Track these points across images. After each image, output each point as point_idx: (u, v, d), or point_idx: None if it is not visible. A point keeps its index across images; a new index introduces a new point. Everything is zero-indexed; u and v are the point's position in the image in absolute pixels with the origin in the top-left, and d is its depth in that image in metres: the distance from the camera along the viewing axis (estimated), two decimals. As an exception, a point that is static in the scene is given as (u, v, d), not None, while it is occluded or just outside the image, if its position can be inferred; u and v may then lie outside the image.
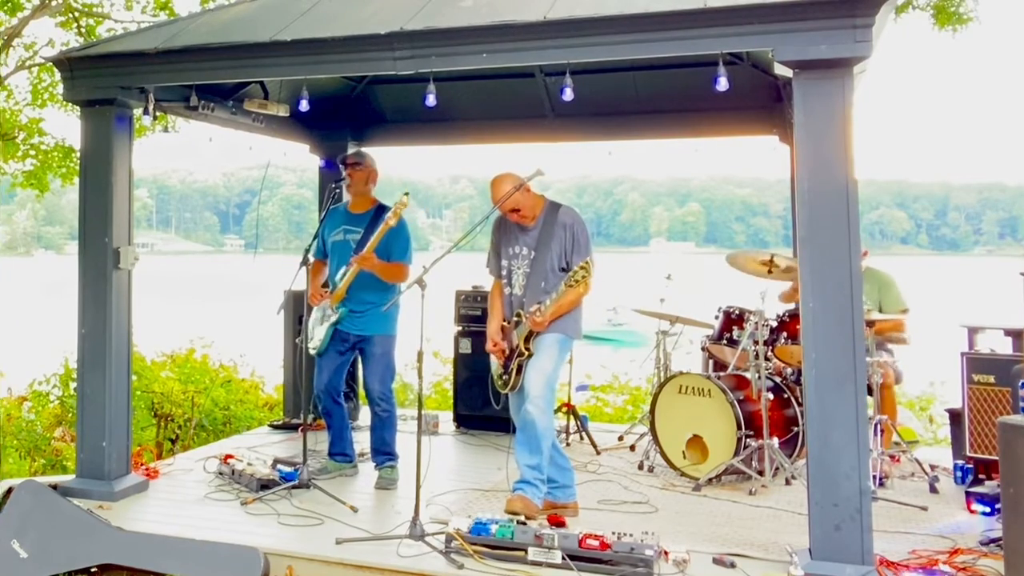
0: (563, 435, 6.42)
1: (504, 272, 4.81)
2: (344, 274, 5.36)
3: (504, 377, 4.74)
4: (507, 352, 4.71)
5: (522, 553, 4.01)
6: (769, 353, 5.53)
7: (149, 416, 7.76)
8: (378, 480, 5.41)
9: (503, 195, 4.54)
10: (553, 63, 4.73)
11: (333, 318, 5.41)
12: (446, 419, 7.04)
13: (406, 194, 5.21)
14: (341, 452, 5.68)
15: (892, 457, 5.59)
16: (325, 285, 5.58)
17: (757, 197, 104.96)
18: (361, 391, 6.94)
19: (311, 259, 5.37)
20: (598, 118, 6.98)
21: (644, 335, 6.59)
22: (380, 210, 5.48)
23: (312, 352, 5.55)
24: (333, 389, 5.55)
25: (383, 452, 5.48)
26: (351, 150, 5.68)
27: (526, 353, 4.61)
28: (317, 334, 5.48)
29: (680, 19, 4.13)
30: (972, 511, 4.83)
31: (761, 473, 5.26)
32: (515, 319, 4.67)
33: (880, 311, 5.94)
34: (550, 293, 4.54)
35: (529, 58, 4.67)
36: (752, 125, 6.77)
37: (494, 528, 4.11)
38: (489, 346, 4.81)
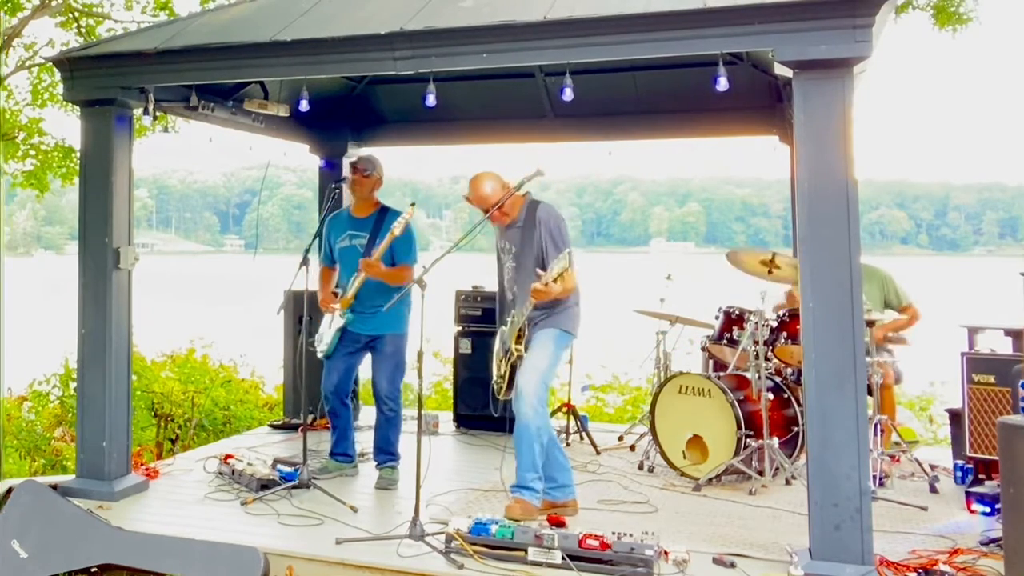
0: (563, 435, 6.42)
1: (499, 271, 4.84)
2: (353, 280, 5.38)
3: (499, 382, 4.73)
4: (501, 353, 4.69)
5: (522, 553, 4.01)
6: (769, 353, 5.53)
7: (149, 416, 7.77)
8: (378, 480, 5.42)
9: (488, 197, 4.55)
10: (553, 63, 4.73)
11: (340, 322, 5.44)
12: (446, 419, 7.03)
13: (412, 204, 5.25)
14: (343, 452, 5.68)
15: (892, 457, 5.59)
16: (335, 292, 5.61)
17: (757, 197, 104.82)
18: (362, 391, 6.96)
19: (311, 259, 5.37)
20: (598, 118, 6.98)
21: None
22: (383, 212, 5.49)
23: (320, 355, 5.57)
24: (342, 391, 5.58)
25: (386, 452, 5.49)
26: (360, 154, 5.63)
27: (516, 354, 4.59)
28: (325, 337, 5.51)
29: (680, 19, 4.13)
30: (972, 511, 4.83)
31: (761, 473, 5.26)
32: (508, 319, 4.65)
33: (886, 307, 5.95)
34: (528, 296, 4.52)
35: (529, 58, 4.68)
36: (752, 125, 6.77)
37: (494, 528, 4.11)
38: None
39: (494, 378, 4.79)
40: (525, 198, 4.72)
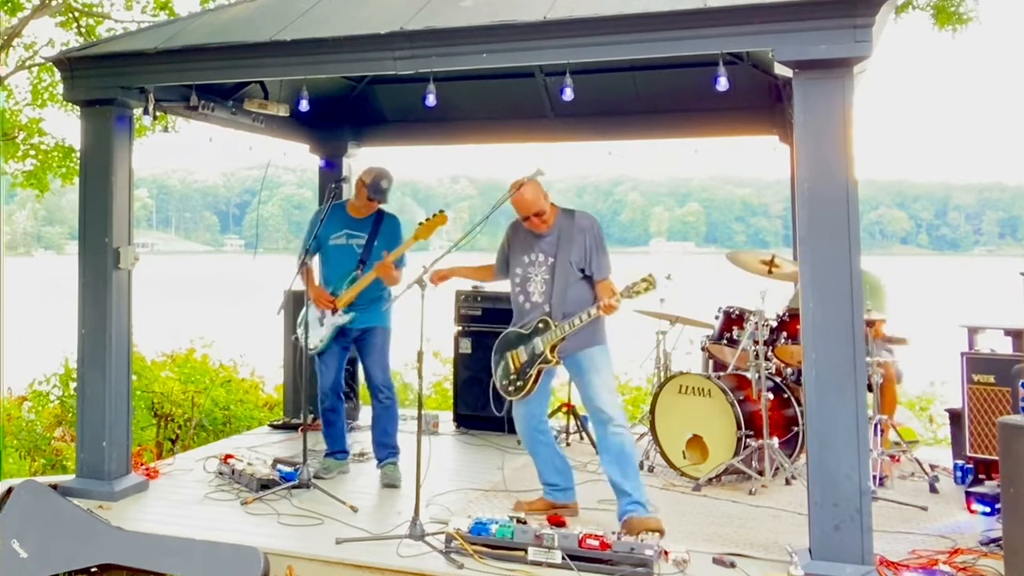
0: (563, 435, 6.42)
1: (518, 280, 4.72)
2: (353, 280, 5.40)
3: (519, 383, 4.62)
4: (525, 356, 4.63)
5: (522, 553, 4.01)
6: (769, 353, 5.52)
7: (149, 416, 7.77)
8: (383, 477, 5.45)
9: (529, 200, 4.50)
10: (553, 63, 4.73)
11: (341, 320, 5.44)
12: (446, 419, 7.03)
13: (441, 211, 5.25)
14: (341, 450, 5.70)
15: (892, 457, 5.59)
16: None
17: (757, 197, 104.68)
18: (362, 390, 6.97)
19: (307, 261, 5.40)
20: (598, 118, 6.99)
21: None
22: (380, 214, 5.53)
23: (311, 351, 5.57)
24: (339, 385, 5.62)
25: (387, 445, 5.53)
26: (373, 168, 5.54)
27: (553, 361, 4.53)
28: (317, 334, 5.50)
29: (680, 19, 4.13)
30: (972, 511, 4.83)
31: (761, 473, 5.26)
32: (539, 324, 4.55)
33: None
34: (580, 308, 4.45)
35: (529, 58, 4.68)
36: (752, 125, 6.77)
37: (494, 528, 4.11)
38: (435, 274, 4.64)
39: (510, 378, 4.68)
40: (557, 208, 4.68)
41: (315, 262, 5.71)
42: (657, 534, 4.21)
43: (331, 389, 5.57)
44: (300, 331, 5.52)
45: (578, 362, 4.57)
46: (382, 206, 5.56)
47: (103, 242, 5.13)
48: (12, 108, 9.94)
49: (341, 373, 5.64)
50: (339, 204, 5.63)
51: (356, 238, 5.48)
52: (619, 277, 4.56)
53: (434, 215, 5.22)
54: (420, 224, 5.21)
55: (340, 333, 5.50)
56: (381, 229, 5.48)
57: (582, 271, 4.56)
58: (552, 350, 4.51)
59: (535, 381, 4.58)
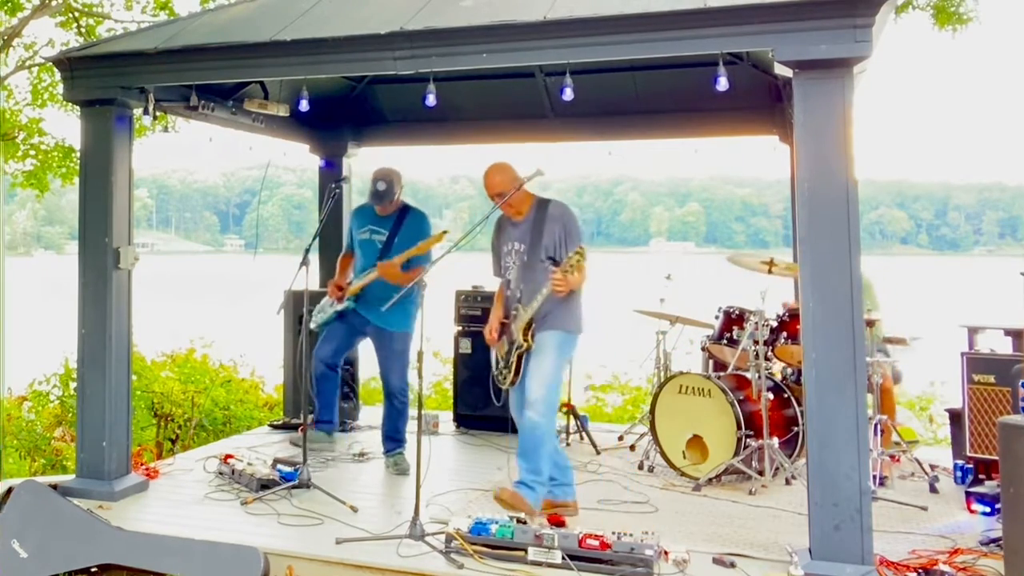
0: (563, 435, 6.42)
1: (504, 271, 4.82)
2: (365, 275, 5.55)
3: (505, 371, 4.72)
4: (507, 345, 4.72)
5: (522, 553, 4.01)
6: (769, 353, 5.53)
7: (149, 416, 7.77)
8: (392, 467, 5.62)
9: (492, 183, 4.63)
10: (553, 63, 4.73)
11: (339, 307, 5.66)
12: (446, 419, 7.03)
13: (445, 232, 5.41)
14: (328, 420, 5.80)
15: (892, 457, 5.59)
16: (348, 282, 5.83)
17: (757, 197, 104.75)
18: (362, 391, 6.97)
19: (311, 259, 5.42)
20: (598, 118, 6.99)
21: None
22: (404, 211, 5.63)
23: (313, 327, 5.78)
24: (334, 361, 5.77)
25: (395, 439, 5.71)
26: (374, 174, 5.63)
27: (525, 345, 4.60)
28: (324, 315, 5.78)
29: (680, 19, 4.13)
30: (972, 511, 4.83)
31: (761, 473, 5.26)
32: (513, 312, 4.66)
33: None
34: (540, 288, 4.53)
35: (529, 58, 4.68)
36: (752, 125, 6.77)
37: (494, 528, 4.11)
38: (485, 332, 4.90)
39: (498, 367, 4.79)
40: (533, 197, 4.75)
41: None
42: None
43: (322, 360, 5.73)
44: (314, 312, 5.76)
45: (535, 339, 4.65)
46: (408, 202, 5.69)
47: (103, 242, 5.13)
48: (12, 108, 9.93)
49: (340, 352, 5.81)
50: (368, 202, 5.76)
51: (378, 234, 5.62)
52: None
53: (436, 236, 5.41)
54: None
55: (348, 315, 5.69)
56: (403, 226, 5.57)
57: (551, 259, 4.60)
58: (524, 334, 4.59)
59: (517, 367, 4.66)
